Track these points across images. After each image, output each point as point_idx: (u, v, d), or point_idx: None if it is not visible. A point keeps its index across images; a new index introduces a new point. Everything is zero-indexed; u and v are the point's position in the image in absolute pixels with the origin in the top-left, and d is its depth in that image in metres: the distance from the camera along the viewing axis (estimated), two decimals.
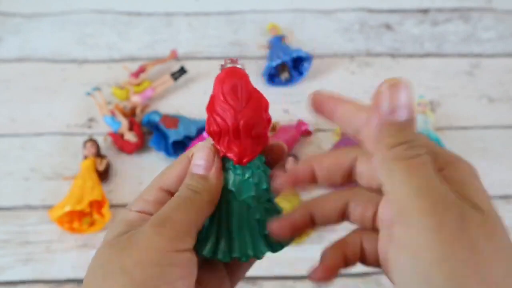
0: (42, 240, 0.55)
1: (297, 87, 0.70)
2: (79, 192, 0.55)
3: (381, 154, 0.22)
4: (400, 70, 0.72)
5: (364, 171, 0.25)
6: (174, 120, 0.62)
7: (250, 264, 0.30)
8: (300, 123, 0.63)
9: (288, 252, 0.55)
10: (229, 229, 0.27)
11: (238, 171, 0.27)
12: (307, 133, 0.63)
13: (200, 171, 0.26)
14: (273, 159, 0.28)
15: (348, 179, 0.26)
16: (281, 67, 0.69)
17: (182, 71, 0.68)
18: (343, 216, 0.26)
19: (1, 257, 0.54)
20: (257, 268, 0.54)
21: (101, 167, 0.58)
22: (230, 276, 0.29)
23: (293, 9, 0.81)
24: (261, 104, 0.26)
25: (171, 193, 0.26)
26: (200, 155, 0.26)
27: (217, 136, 0.26)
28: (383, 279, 0.52)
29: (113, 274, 0.22)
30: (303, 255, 0.54)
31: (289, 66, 0.69)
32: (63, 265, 0.53)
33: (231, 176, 0.26)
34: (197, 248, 0.26)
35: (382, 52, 0.74)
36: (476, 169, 0.22)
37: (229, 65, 0.26)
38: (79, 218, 0.55)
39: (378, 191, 0.24)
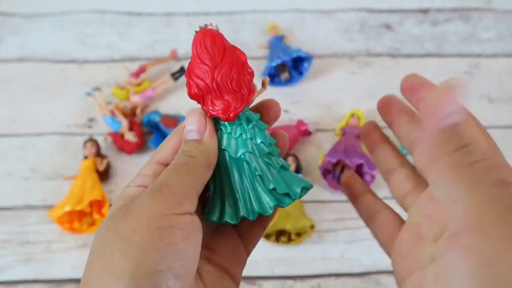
0: (42, 240, 0.55)
1: (297, 87, 0.70)
2: (79, 192, 0.55)
3: (441, 162, 0.22)
4: (400, 70, 0.72)
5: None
6: (174, 120, 0.62)
7: (262, 229, 0.30)
8: (300, 123, 0.63)
9: (288, 252, 0.56)
10: (232, 190, 0.27)
11: (229, 129, 0.26)
12: (307, 133, 0.63)
13: (193, 136, 0.26)
14: (268, 115, 0.29)
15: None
16: (281, 67, 0.69)
17: (182, 71, 0.68)
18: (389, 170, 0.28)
19: (1, 257, 0.54)
20: (257, 268, 0.54)
21: (101, 167, 0.58)
22: (244, 242, 0.29)
23: (293, 9, 0.81)
24: (237, 56, 0.26)
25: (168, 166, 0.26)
26: (191, 120, 0.26)
27: (200, 98, 0.26)
28: (383, 279, 0.52)
29: (112, 241, 0.22)
30: (303, 255, 0.54)
31: (289, 66, 0.69)
32: (63, 265, 0.53)
33: (224, 136, 0.26)
34: (206, 215, 0.26)
35: (382, 52, 0.74)
36: None
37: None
38: (79, 218, 0.55)
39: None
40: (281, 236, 0.54)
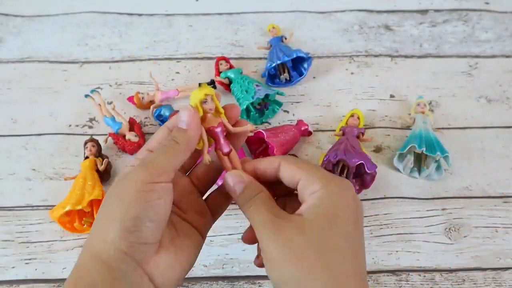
0: (43, 239, 0.55)
1: (297, 87, 0.70)
2: (79, 192, 0.55)
3: (243, 210, 0.34)
4: (399, 70, 0.72)
5: (285, 174, 0.35)
6: None
7: (226, 200, 0.40)
8: (300, 123, 0.63)
9: None
10: None
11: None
12: (307, 133, 0.63)
13: (182, 126, 0.34)
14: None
15: (277, 177, 0.36)
16: (281, 68, 0.69)
17: (212, 85, 0.68)
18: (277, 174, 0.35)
19: (3, 256, 0.54)
20: (257, 268, 0.54)
21: (102, 167, 0.58)
22: (211, 210, 0.39)
23: (293, 10, 0.81)
24: None
25: None
26: (183, 114, 0.35)
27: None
28: (382, 278, 0.53)
29: (110, 200, 0.32)
30: None
31: (289, 67, 0.69)
32: (65, 265, 0.54)
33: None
34: None
35: (381, 53, 0.75)
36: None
37: None
38: (80, 217, 0.56)
39: (295, 186, 0.34)
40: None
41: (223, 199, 0.39)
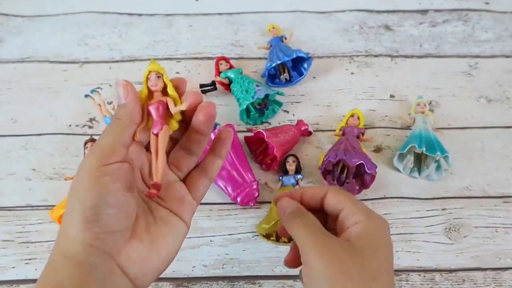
0: (44, 239, 0.55)
1: (297, 87, 0.70)
2: None
3: (288, 226, 0.35)
4: (399, 70, 0.72)
5: (331, 202, 0.36)
6: None
7: (208, 180, 0.38)
8: (300, 123, 0.63)
9: (288, 252, 0.56)
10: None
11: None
12: (307, 133, 0.63)
13: (121, 101, 0.33)
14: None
15: (321, 205, 0.37)
16: (281, 68, 0.69)
17: (212, 86, 0.68)
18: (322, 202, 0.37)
19: (3, 256, 0.54)
20: (257, 268, 0.54)
21: None
22: (192, 193, 0.37)
23: (293, 10, 0.81)
24: None
25: None
26: (118, 89, 0.33)
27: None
28: None
29: (69, 195, 0.31)
30: None
31: (289, 67, 0.69)
32: None
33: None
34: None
35: (381, 53, 0.75)
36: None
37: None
38: None
39: (336, 214, 0.36)
40: (281, 236, 0.54)
41: (203, 178, 0.38)
